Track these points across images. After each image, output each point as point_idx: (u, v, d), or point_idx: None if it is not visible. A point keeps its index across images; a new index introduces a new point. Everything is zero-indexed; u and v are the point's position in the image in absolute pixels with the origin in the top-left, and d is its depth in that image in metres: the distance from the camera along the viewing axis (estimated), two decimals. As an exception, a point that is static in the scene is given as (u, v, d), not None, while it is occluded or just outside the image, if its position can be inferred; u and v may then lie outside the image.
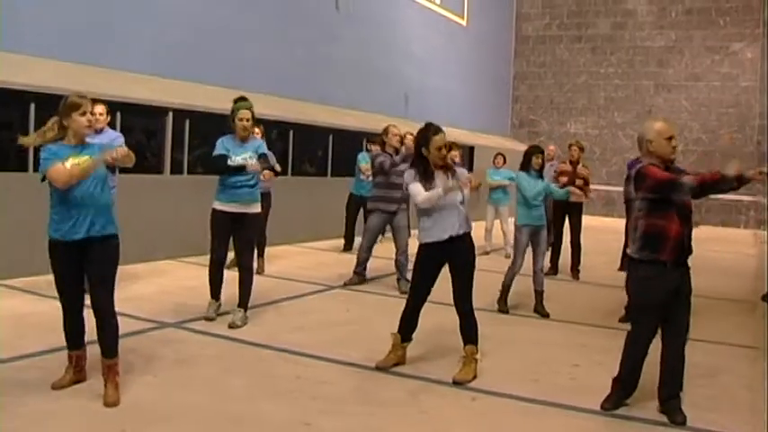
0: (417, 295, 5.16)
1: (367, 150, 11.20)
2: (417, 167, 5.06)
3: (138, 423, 3.88)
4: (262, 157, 6.11)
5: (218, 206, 6.14)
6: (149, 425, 3.89)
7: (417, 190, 4.97)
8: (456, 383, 4.84)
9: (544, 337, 6.40)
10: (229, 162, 6.01)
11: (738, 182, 4.26)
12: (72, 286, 4.28)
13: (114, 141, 6.00)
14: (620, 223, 10.74)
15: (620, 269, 10.78)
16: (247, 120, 6.08)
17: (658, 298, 4.35)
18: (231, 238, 6.27)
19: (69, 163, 4.05)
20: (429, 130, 5.00)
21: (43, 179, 4.10)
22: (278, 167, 7.69)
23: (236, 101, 6.22)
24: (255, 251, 8.74)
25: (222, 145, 6.10)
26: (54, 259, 4.20)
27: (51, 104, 7.80)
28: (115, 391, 4.14)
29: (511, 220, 11.05)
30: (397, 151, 8.17)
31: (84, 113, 4.17)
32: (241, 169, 6.00)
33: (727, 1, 21.14)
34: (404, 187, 5.23)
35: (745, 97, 20.91)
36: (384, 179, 8.08)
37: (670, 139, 4.39)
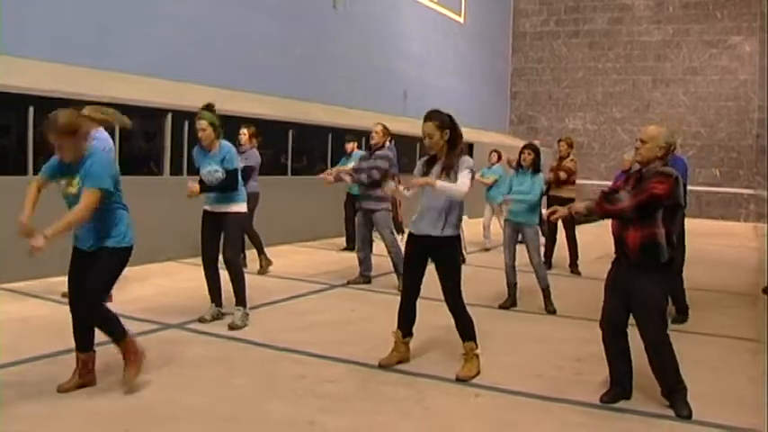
0: (406, 286, 5.21)
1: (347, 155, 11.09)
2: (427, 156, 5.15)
3: (141, 424, 3.88)
4: (229, 172, 5.96)
5: (204, 206, 6.21)
6: (153, 426, 3.89)
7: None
8: (459, 380, 4.85)
9: (547, 333, 6.41)
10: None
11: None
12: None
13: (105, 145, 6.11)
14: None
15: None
16: (202, 129, 5.95)
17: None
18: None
19: (62, 186, 4.21)
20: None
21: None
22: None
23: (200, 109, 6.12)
24: (255, 249, 8.83)
25: (194, 155, 6.17)
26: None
27: (50, 108, 7.84)
28: (133, 375, 4.26)
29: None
30: (382, 145, 8.12)
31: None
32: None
33: (724, -6, 21.16)
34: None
35: (744, 90, 20.92)
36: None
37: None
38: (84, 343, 4.37)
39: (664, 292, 4.51)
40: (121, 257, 4.37)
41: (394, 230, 8.30)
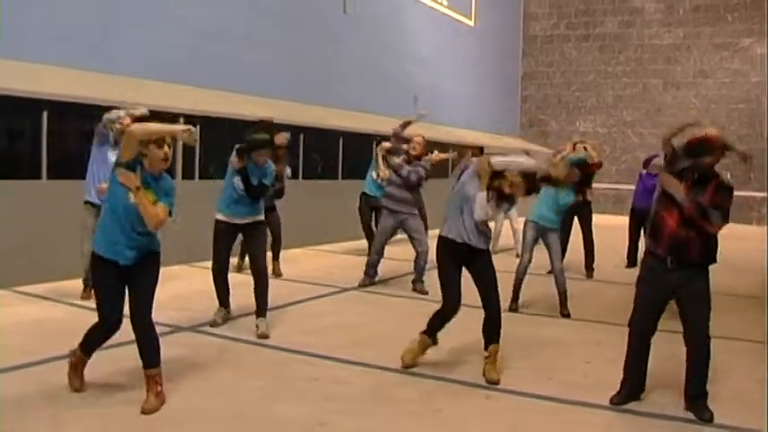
0: (448, 292, 5.07)
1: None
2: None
3: (156, 426, 3.93)
4: (262, 185, 6.15)
5: (233, 219, 6.19)
6: (167, 428, 3.94)
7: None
8: (491, 383, 4.85)
9: (557, 336, 6.43)
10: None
11: None
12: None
13: None
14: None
15: (628, 266, 10.80)
16: (263, 157, 6.17)
17: (653, 292, 4.53)
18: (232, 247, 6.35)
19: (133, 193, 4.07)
20: None
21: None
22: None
23: (254, 134, 6.20)
24: (272, 253, 8.87)
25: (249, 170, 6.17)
26: None
27: (63, 112, 7.94)
28: (154, 400, 4.15)
29: (521, 219, 11.10)
30: (419, 157, 8.11)
31: (161, 146, 4.13)
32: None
33: (734, -3, 21.08)
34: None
35: (755, 93, 20.81)
36: (399, 179, 8.00)
37: None
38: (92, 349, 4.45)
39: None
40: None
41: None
